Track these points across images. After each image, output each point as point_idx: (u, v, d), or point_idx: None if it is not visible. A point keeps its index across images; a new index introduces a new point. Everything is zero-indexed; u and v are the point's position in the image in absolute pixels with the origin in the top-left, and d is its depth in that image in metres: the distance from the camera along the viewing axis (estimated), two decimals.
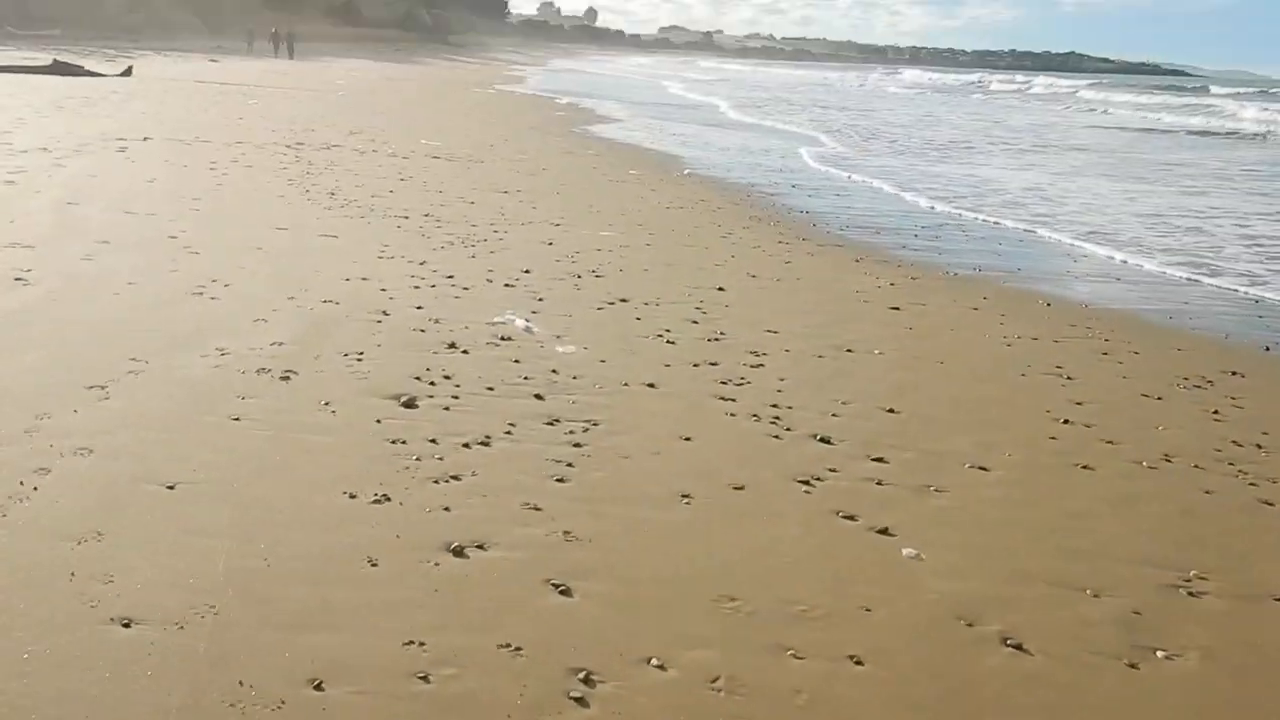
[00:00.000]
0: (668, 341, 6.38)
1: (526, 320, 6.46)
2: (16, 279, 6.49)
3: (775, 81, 75.13)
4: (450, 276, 7.55)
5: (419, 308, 6.62)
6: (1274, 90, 65.03)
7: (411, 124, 20.75)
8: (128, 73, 28.75)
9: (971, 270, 9.67)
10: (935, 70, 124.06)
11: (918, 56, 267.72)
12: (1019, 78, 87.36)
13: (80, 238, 7.77)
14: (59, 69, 26.82)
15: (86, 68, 28.17)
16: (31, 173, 10.54)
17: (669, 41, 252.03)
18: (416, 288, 7.14)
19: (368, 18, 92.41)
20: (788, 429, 5.06)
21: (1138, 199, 15.70)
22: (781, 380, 5.79)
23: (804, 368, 6.08)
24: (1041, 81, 75.88)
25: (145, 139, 14.24)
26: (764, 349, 6.37)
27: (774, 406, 5.34)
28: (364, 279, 7.25)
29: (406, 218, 9.91)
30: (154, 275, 6.87)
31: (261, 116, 19.24)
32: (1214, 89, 64.91)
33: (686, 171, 16.03)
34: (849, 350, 6.52)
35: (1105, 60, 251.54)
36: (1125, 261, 10.57)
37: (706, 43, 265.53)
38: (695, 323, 6.88)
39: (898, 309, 7.84)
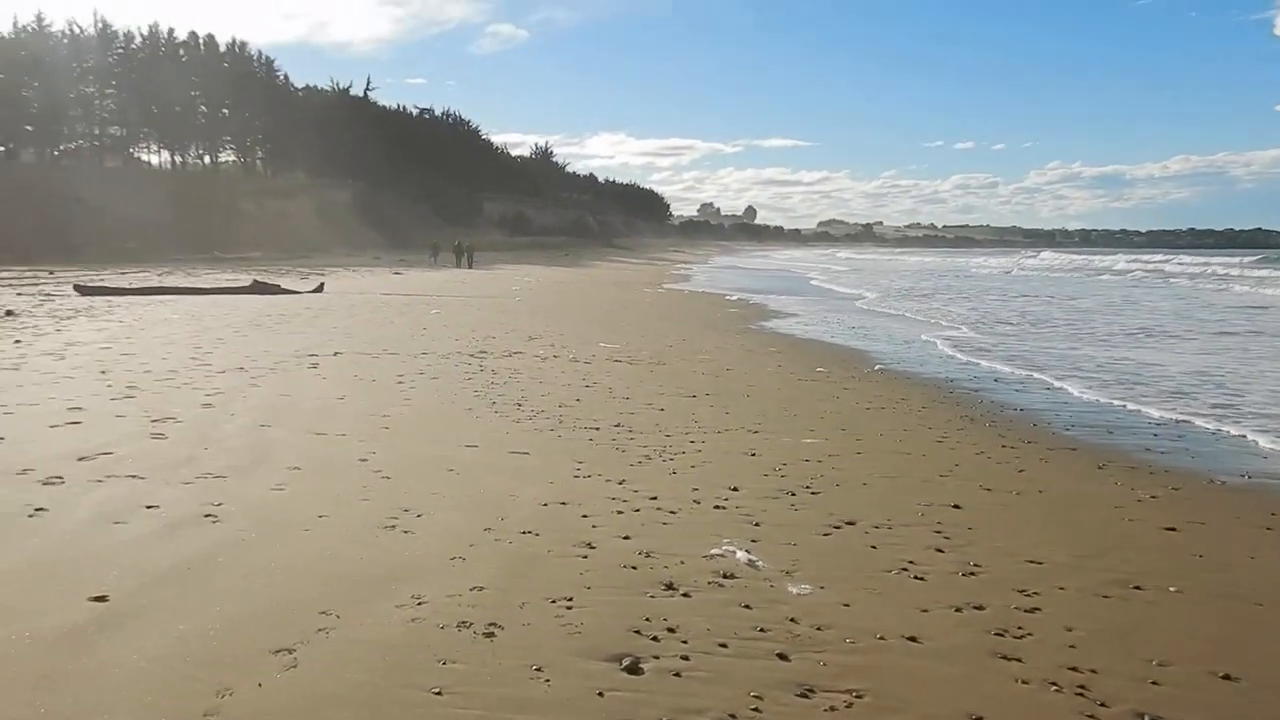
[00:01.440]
0: (915, 577, 5.45)
1: (748, 552, 5.66)
2: (207, 515, 6.12)
3: (921, 268, 74.48)
4: (654, 497, 6.87)
5: (626, 538, 5.92)
6: None
7: (588, 327, 20.86)
8: (320, 289, 30.51)
9: (1239, 478, 8.38)
10: (1086, 252, 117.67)
11: (1088, 238, 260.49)
12: (1158, 257, 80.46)
13: (272, 464, 7.50)
14: (258, 289, 28.67)
15: (283, 286, 30.05)
16: (227, 394, 10.63)
17: (829, 234, 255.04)
18: (620, 512, 6.47)
19: (538, 225, 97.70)
20: (1102, 704, 4.01)
21: None
22: (1069, 631, 4.74)
23: (1091, 613, 5.01)
24: (1188, 260, 69.84)
25: (336, 354, 14.52)
26: (1032, 586, 5.34)
27: (1073, 670, 4.31)
28: (562, 503, 6.64)
29: (597, 429, 9.42)
30: (345, 506, 6.43)
31: (444, 326, 19.68)
32: None
33: (877, 367, 15.24)
34: (1137, 588, 5.41)
35: None
36: None
37: (866, 234, 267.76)
38: (940, 551, 5.93)
39: (1174, 530, 6.67)
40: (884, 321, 24.83)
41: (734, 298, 34.43)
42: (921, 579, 5.41)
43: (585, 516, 6.33)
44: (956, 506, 7.00)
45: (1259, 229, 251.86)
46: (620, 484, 7.24)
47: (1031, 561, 5.79)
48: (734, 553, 5.63)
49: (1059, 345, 19.19)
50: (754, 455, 8.52)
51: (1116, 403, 12.33)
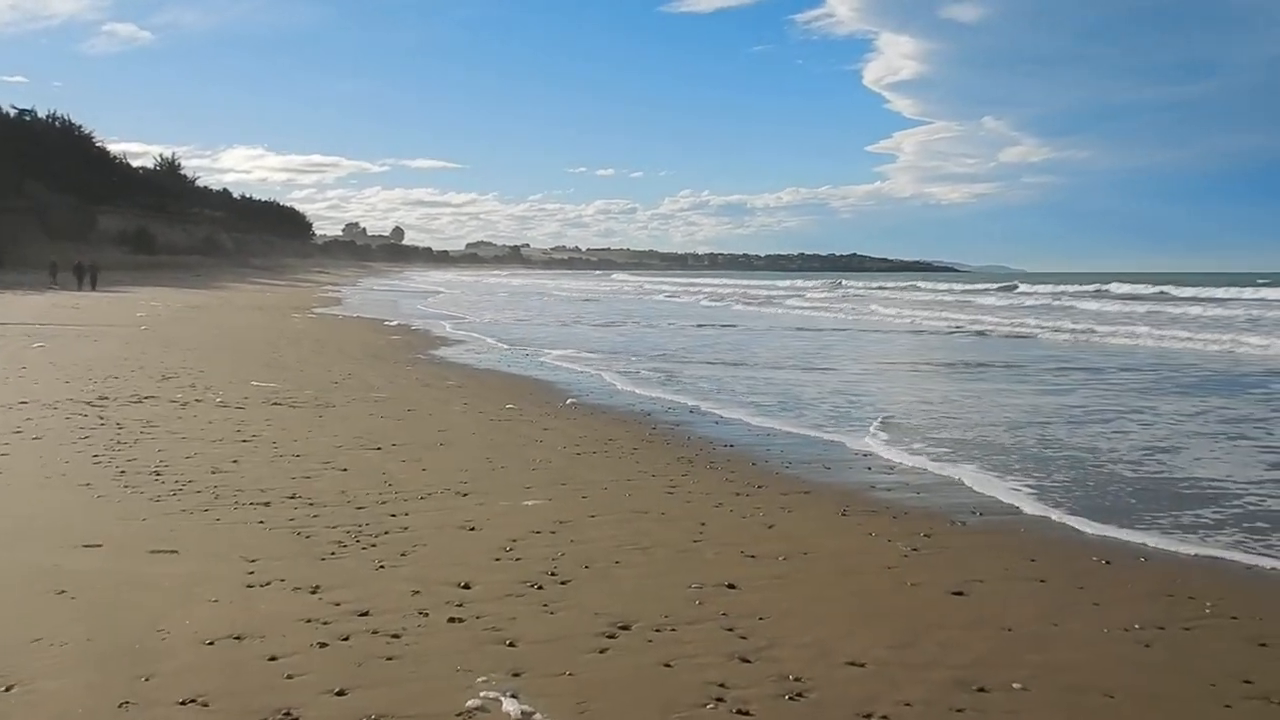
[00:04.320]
0: (738, 711, 4.19)
1: (515, 698, 4.14)
2: None
3: (544, 290, 76.55)
4: (364, 613, 5.14)
5: (340, 693, 4.17)
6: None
7: (233, 361, 18.11)
8: None
9: (974, 516, 8.04)
10: (715, 276, 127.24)
11: (716, 262, 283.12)
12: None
13: None
14: None
15: None
16: None
17: (477, 256, 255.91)
18: (323, 644, 4.69)
19: (164, 244, 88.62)
20: None
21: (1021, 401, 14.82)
22: None
23: None
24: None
25: None
26: (874, 706, 4.28)
27: None
28: (237, 638, 4.74)
29: (267, 504, 7.42)
30: None
31: (51, 364, 16.18)
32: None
33: (569, 401, 14.12)
34: (981, 689, 4.52)
35: (884, 260, 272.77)
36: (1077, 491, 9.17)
37: (514, 256, 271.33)
38: (746, 660, 4.74)
39: (961, 594, 5.97)
40: (539, 347, 23.94)
41: (393, 323, 32.30)
42: (747, 713, 4.17)
43: (274, 659, 4.49)
44: (732, 586, 5.89)
45: (854, 254, 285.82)
46: (314, 593, 5.42)
47: (852, 664, 4.75)
48: (499, 702, 4.09)
49: (715, 371, 19.18)
50: (473, 529, 6.98)
51: (810, 433, 11.93)
